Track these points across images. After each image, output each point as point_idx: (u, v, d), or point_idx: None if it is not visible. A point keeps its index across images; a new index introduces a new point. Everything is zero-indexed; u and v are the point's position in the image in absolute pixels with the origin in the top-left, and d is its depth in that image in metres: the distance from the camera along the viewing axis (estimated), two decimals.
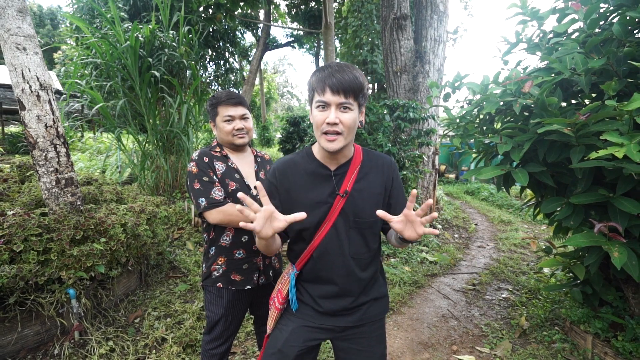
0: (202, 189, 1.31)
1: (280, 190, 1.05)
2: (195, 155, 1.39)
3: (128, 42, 4.15)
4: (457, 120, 2.08)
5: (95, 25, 6.96)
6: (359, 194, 1.03)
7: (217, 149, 1.44)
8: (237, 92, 1.57)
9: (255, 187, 1.43)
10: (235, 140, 1.41)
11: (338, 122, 0.93)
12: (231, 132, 1.40)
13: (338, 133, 0.94)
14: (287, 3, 11.92)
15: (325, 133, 0.94)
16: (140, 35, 4.48)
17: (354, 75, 0.92)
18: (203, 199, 1.30)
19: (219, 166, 1.38)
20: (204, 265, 1.46)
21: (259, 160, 1.53)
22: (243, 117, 1.42)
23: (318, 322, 1.08)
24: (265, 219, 0.87)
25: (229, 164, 1.41)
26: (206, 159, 1.37)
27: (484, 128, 2.04)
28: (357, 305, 1.08)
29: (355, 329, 1.09)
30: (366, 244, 1.05)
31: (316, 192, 1.02)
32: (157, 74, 4.24)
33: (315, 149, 1.06)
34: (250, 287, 1.42)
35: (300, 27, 12.29)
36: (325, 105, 0.93)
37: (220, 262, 1.40)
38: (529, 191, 2.53)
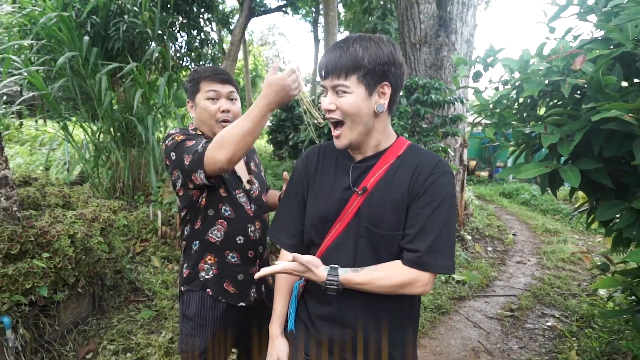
0: (196, 142, 1.29)
1: (304, 180, 1.15)
2: (174, 130, 1.40)
3: (68, 10, 4.13)
4: (491, 106, 2.07)
5: None
6: (381, 196, 1.01)
7: (198, 133, 1.44)
8: None
9: (248, 182, 1.48)
10: (218, 126, 1.41)
11: (334, 107, 0.97)
12: (215, 114, 1.40)
13: (339, 124, 0.99)
14: None
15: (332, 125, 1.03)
16: None
17: (354, 49, 0.94)
18: (200, 145, 1.24)
19: None
20: (184, 265, 1.44)
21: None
22: (230, 98, 1.43)
23: (311, 352, 1.10)
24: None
25: None
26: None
27: (525, 115, 2.03)
28: (364, 345, 1.05)
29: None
30: (374, 256, 1.02)
31: (335, 183, 1.08)
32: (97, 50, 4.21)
33: None
34: (244, 304, 1.43)
35: None
36: (324, 90, 1.00)
37: (209, 262, 1.40)
38: (580, 194, 2.53)
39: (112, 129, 4.65)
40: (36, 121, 9.21)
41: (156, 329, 2.70)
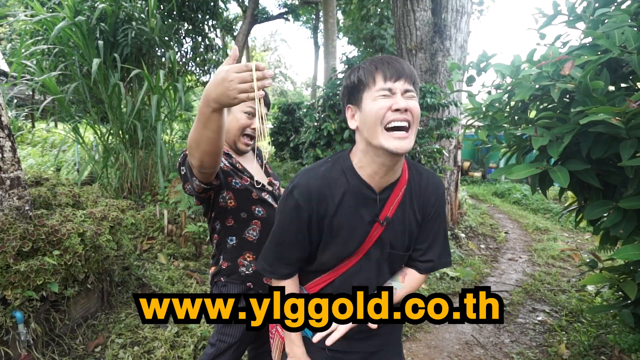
0: None
1: (313, 220, 0.99)
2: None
3: (80, 17, 4.13)
4: (483, 109, 2.07)
5: None
6: (400, 222, 1.05)
7: None
8: None
9: (269, 184, 1.51)
10: (241, 143, 1.43)
11: (407, 107, 0.91)
12: (243, 129, 1.41)
13: (407, 127, 0.92)
14: None
15: (391, 129, 0.91)
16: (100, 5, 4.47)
17: (405, 62, 0.96)
18: None
19: (224, 161, 1.39)
20: (221, 257, 1.45)
21: (256, 152, 1.61)
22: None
23: (335, 346, 1.10)
24: None
25: (233, 162, 1.43)
26: None
27: (516, 118, 2.03)
28: (377, 331, 1.11)
29: (374, 355, 1.15)
30: (390, 276, 1.13)
31: (356, 218, 1.00)
32: (116, 55, 4.23)
33: (358, 162, 1.00)
34: None
35: None
36: (387, 94, 0.92)
37: (248, 259, 1.42)
38: (570, 193, 2.53)
39: (120, 131, 4.65)
40: (48, 124, 9.21)
41: (162, 323, 2.70)
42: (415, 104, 0.93)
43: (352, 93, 0.98)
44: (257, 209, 1.42)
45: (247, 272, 1.42)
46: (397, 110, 0.90)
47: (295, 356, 1.09)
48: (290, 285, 1.09)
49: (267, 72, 0.88)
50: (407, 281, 1.11)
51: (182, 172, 1.31)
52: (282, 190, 1.61)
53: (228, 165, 1.39)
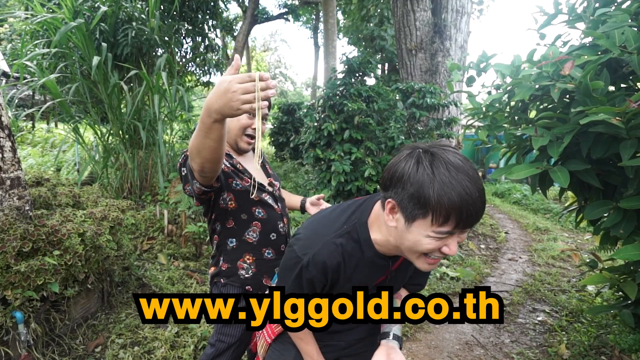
0: None
1: (326, 286, 1.01)
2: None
3: (79, 18, 4.13)
4: (484, 109, 2.07)
5: None
6: (403, 270, 1.09)
7: None
8: None
9: (269, 185, 1.51)
10: (242, 142, 1.44)
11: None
12: (244, 128, 1.41)
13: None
14: None
15: (429, 256, 0.85)
16: (100, 5, 4.47)
17: (482, 190, 0.78)
18: None
19: (224, 162, 1.39)
20: (221, 258, 1.45)
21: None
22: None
23: (324, 340, 1.12)
24: None
25: (234, 163, 1.43)
26: None
27: (516, 118, 2.03)
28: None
29: (363, 341, 1.17)
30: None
31: (367, 280, 1.03)
32: (109, 54, 4.21)
33: (379, 239, 0.95)
34: None
35: None
36: (446, 236, 0.80)
37: (248, 261, 1.42)
38: (570, 193, 2.52)
39: (120, 132, 4.65)
40: (48, 124, 9.21)
41: (162, 323, 2.70)
42: (462, 237, 0.84)
43: (410, 200, 0.79)
44: (257, 210, 1.42)
45: (246, 275, 1.42)
46: (443, 253, 0.82)
47: (308, 354, 1.08)
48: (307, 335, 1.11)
49: (270, 82, 0.85)
50: (401, 297, 1.17)
51: (183, 173, 1.31)
52: (282, 191, 1.61)
53: (229, 166, 1.39)
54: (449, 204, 0.74)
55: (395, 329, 1.09)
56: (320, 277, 0.95)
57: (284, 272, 1.03)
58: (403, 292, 1.18)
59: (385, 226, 0.89)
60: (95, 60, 3.96)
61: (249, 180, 1.42)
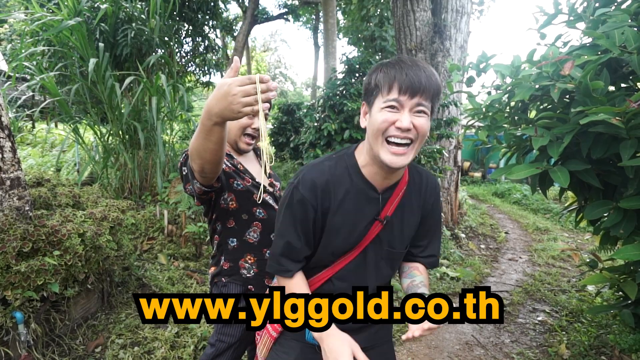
0: None
1: (318, 214, 0.99)
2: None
3: (77, 18, 4.13)
4: (483, 109, 2.07)
5: None
6: (399, 221, 1.06)
7: None
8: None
9: (270, 185, 1.50)
10: (242, 142, 1.43)
11: (412, 127, 0.89)
12: (244, 128, 1.41)
13: (408, 144, 0.91)
14: None
15: (390, 142, 0.90)
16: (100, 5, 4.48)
17: (431, 72, 0.90)
18: None
19: (226, 162, 1.39)
20: (222, 258, 1.45)
21: (258, 152, 1.60)
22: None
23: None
24: None
25: (235, 163, 1.43)
26: None
27: (516, 118, 2.03)
28: (367, 325, 1.12)
29: (367, 352, 1.11)
30: (391, 273, 1.14)
31: (357, 217, 1.01)
32: (107, 54, 4.21)
33: (363, 161, 1.01)
34: None
35: None
36: (395, 106, 0.90)
37: (249, 261, 1.42)
38: (570, 193, 2.52)
39: (120, 132, 4.65)
40: (48, 124, 9.22)
41: (162, 323, 2.70)
42: (422, 121, 0.90)
43: (367, 93, 0.97)
44: (257, 210, 1.42)
45: (248, 274, 1.42)
46: (399, 128, 0.89)
47: (331, 349, 0.99)
48: (300, 281, 1.06)
49: (271, 84, 0.84)
50: (422, 271, 1.14)
51: (184, 173, 1.31)
52: (280, 192, 1.61)
53: (230, 166, 1.39)
54: (389, 71, 0.90)
55: (423, 289, 1.07)
56: (310, 196, 0.97)
57: (279, 211, 1.05)
58: (421, 267, 1.15)
59: (366, 145, 0.99)
60: (92, 62, 3.96)
61: (250, 180, 1.42)
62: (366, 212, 1.01)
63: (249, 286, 1.42)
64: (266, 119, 1.49)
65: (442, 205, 1.22)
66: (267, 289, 1.41)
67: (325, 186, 0.98)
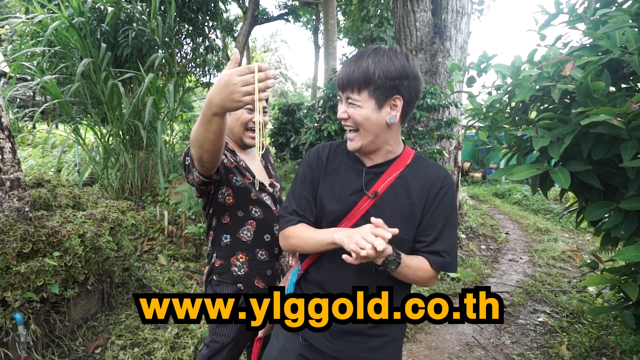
0: None
1: (314, 174, 1.14)
2: None
3: (78, 18, 4.13)
4: (484, 110, 2.07)
5: None
6: (391, 201, 1.05)
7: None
8: None
9: (270, 185, 1.52)
10: (247, 137, 1.44)
11: (347, 116, 1.02)
12: (246, 124, 1.42)
13: (356, 129, 1.03)
14: None
15: (345, 130, 1.08)
16: (101, 6, 4.48)
17: (366, 64, 0.96)
18: None
19: (228, 158, 1.40)
20: (214, 254, 1.45)
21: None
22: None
23: (310, 339, 1.09)
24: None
25: (237, 160, 1.44)
26: None
27: (517, 118, 2.03)
28: (360, 331, 1.08)
29: None
30: None
31: (343, 185, 1.09)
32: (107, 53, 4.21)
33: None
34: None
35: None
36: (340, 99, 1.05)
37: (241, 260, 1.42)
38: (570, 194, 2.52)
39: (121, 132, 4.65)
40: (49, 125, 9.23)
41: (162, 324, 2.70)
42: (354, 111, 1.00)
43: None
44: (254, 209, 1.42)
45: (239, 272, 1.41)
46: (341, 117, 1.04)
47: (315, 238, 1.03)
48: (308, 226, 1.12)
49: (269, 73, 0.87)
50: (419, 260, 1.04)
51: (187, 163, 1.32)
52: (280, 193, 1.61)
53: (232, 161, 1.40)
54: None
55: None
56: (312, 161, 1.15)
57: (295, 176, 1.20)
58: (421, 259, 1.04)
59: None
60: (85, 62, 3.96)
61: (251, 178, 1.42)
62: (352, 182, 1.08)
63: (239, 284, 1.41)
64: (265, 111, 1.49)
65: (457, 207, 1.22)
66: (257, 291, 1.42)
67: (325, 155, 1.15)
